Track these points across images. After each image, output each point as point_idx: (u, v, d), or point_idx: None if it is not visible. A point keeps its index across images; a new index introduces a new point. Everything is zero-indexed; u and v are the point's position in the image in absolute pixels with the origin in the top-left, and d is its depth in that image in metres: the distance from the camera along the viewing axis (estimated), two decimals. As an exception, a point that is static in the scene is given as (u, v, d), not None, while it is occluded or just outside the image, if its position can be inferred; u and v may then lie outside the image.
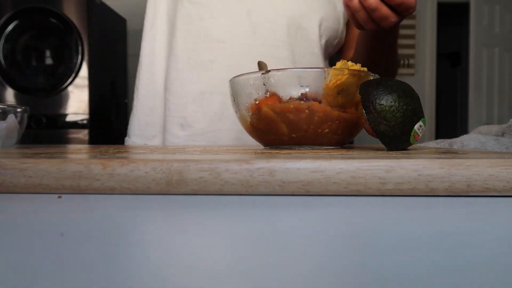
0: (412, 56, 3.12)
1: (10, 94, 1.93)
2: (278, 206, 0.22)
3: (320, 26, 0.73)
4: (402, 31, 2.76)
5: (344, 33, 0.79)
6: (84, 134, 1.96)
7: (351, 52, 0.78)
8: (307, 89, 0.41)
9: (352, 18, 0.53)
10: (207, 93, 0.70)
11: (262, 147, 0.49)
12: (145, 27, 0.76)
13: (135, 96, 0.78)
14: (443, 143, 0.54)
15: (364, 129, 0.40)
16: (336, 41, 0.78)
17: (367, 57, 0.66)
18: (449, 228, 0.18)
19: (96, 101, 2.05)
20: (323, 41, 0.75)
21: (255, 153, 0.33)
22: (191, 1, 0.70)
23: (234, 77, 0.45)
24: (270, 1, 0.70)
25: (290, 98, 0.41)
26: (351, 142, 0.79)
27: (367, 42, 0.64)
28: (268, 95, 0.42)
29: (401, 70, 3.00)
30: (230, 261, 0.14)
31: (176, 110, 0.71)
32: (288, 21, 0.71)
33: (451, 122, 4.58)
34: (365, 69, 0.44)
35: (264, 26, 0.70)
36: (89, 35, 1.92)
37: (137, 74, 0.78)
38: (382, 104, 0.34)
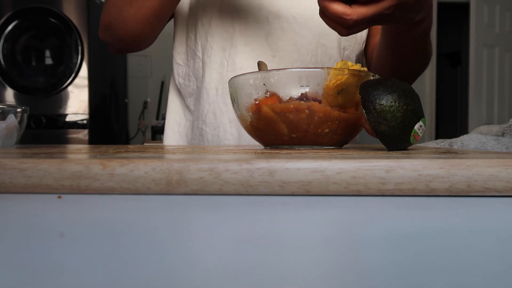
0: (412, 56, 3.11)
1: (10, 94, 1.93)
2: (278, 206, 0.22)
3: (339, 40, 0.73)
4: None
5: (366, 35, 0.79)
6: (84, 134, 1.96)
7: (376, 38, 0.78)
8: (307, 89, 0.41)
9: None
10: (236, 120, 0.72)
11: (262, 147, 0.49)
12: (175, 59, 0.79)
13: (167, 123, 0.82)
14: (443, 143, 0.54)
15: (364, 129, 0.40)
16: (363, 46, 0.78)
17: (392, 57, 0.64)
18: (449, 228, 0.18)
19: (96, 101, 2.05)
20: (347, 52, 0.75)
21: (255, 153, 0.33)
22: (212, 35, 0.72)
23: (234, 77, 0.45)
24: (287, 23, 0.71)
25: (290, 98, 0.41)
26: (358, 142, 0.79)
27: (389, 41, 0.62)
28: (268, 95, 0.42)
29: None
30: (230, 261, 0.14)
31: (212, 140, 0.74)
32: (307, 41, 0.71)
33: (451, 122, 4.58)
34: (365, 69, 0.44)
35: (282, 49, 0.71)
36: (89, 35, 1.92)
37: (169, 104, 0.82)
38: (382, 104, 0.34)
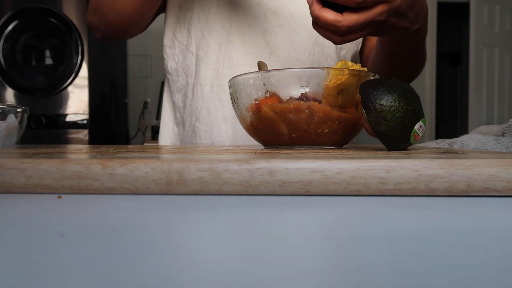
0: (412, 56, 3.11)
1: (10, 94, 1.93)
2: (278, 206, 0.22)
3: None
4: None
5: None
6: (84, 134, 1.96)
7: (373, 42, 0.77)
8: (307, 89, 0.41)
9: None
10: (231, 117, 0.71)
11: (262, 147, 0.49)
12: (166, 54, 0.78)
13: (162, 121, 0.81)
14: (443, 143, 0.54)
15: (364, 129, 0.40)
16: (359, 47, 0.78)
17: (387, 62, 0.65)
18: (449, 228, 0.18)
19: (96, 101, 2.05)
20: (343, 52, 0.75)
21: (255, 153, 0.33)
22: (209, 31, 0.71)
23: (234, 77, 0.45)
24: (284, 21, 0.70)
25: (290, 98, 0.41)
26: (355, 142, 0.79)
27: (385, 47, 0.63)
28: (268, 95, 0.42)
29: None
30: (229, 261, 0.14)
31: (205, 137, 0.73)
32: (304, 39, 0.70)
33: (451, 122, 4.58)
34: (365, 69, 0.44)
35: (280, 47, 0.70)
36: (89, 35, 1.92)
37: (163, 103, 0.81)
38: (382, 104, 0.34)
